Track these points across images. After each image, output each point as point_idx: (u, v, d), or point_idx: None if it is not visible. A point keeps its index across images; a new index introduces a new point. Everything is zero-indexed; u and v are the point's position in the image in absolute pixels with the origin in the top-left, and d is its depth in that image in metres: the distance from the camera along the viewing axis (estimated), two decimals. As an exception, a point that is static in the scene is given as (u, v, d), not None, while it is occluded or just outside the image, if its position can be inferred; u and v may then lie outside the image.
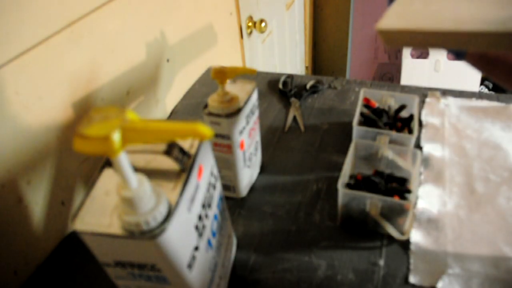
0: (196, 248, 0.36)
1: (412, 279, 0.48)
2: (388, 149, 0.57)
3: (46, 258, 0.55)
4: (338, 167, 0.61)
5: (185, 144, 0.36)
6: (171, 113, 0.83)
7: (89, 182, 0.35)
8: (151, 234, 0.30)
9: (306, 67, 2.10)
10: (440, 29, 0.26)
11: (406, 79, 2.04)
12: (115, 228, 0.31)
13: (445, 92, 0.78)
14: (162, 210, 0.30)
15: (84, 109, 0.59)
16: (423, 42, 0.27)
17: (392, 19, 0.29)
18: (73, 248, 0.57)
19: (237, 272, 0.51)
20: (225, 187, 0.59)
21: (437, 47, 0.28)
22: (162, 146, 0.34)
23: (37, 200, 0.53)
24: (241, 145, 0.54)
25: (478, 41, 0.25)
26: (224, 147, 0.54)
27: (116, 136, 0.26)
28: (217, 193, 0.42)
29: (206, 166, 0.38)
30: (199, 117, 0.73)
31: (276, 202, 0.60)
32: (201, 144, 0.37)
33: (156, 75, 0.77)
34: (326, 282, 0.49)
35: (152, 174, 0.34)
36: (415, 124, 0.61)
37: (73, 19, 0.55)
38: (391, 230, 0.51)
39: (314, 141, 0.71)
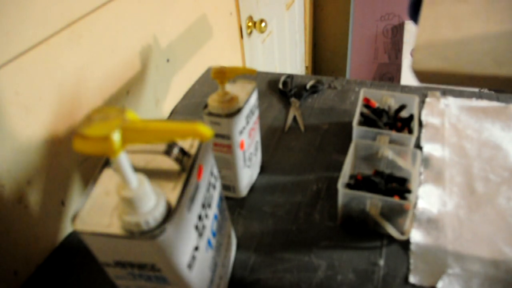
0: (196, 248, 0.36)
1: (412, 279, 0.48)
2: (388, 149, 0.57)
3: (46, 258, 0.55)
4: (338, 167, 0.61)
5: (185, 144, 0.36)
6: (171, 113, 0.83)
7: (89, 182, 0.35)
8: (151, 234, 0.30)
9: (306, 67, 2.10)
10: (480, 73, 0.25)
11: (406, 79, 2.04)
12: (115, 228, 0.31)
13: (445, 92, 0.78)
14: (162, 210, 0.30)
15: (84, 109, 0.59)
16: (460, 82, 0.26)
17: (425, 55, 0.27)
18: (73, 248, 0.57)
19: (237, 272, 0.51)
20: (225, 187, 0.59)
21: (477, 87, 0.27)
22: (162, 146, 0.34)
23: (37, 200, 0.53)
24: (241, 145, 0.54)
25: None
26: (224, 147, 0.54)
27: (116, 136, 0.26)
28: (217, 193, 0.42)
29: (206, 166, 0.38)
30: (199, 117, 0.73)
31: (276, 202, 0.60)
32: (201, 144, 0.37)
33: (156, 75, 0.77)
34: (326, 282, 0.49)
35: (152, 174, 0.34)
36: (415, 124, 0.61)
37: (73, 19, 0.55)
38: (391, 230, 0.51)
39: (314, 141, 0.71)
